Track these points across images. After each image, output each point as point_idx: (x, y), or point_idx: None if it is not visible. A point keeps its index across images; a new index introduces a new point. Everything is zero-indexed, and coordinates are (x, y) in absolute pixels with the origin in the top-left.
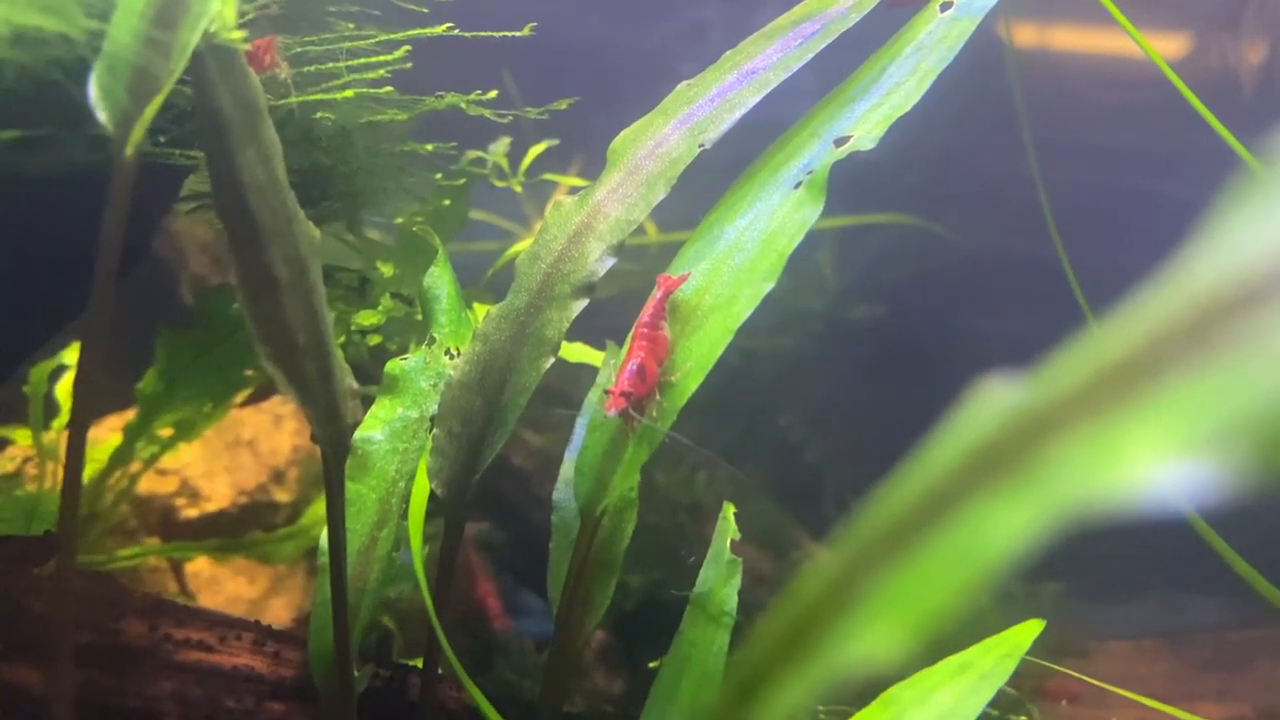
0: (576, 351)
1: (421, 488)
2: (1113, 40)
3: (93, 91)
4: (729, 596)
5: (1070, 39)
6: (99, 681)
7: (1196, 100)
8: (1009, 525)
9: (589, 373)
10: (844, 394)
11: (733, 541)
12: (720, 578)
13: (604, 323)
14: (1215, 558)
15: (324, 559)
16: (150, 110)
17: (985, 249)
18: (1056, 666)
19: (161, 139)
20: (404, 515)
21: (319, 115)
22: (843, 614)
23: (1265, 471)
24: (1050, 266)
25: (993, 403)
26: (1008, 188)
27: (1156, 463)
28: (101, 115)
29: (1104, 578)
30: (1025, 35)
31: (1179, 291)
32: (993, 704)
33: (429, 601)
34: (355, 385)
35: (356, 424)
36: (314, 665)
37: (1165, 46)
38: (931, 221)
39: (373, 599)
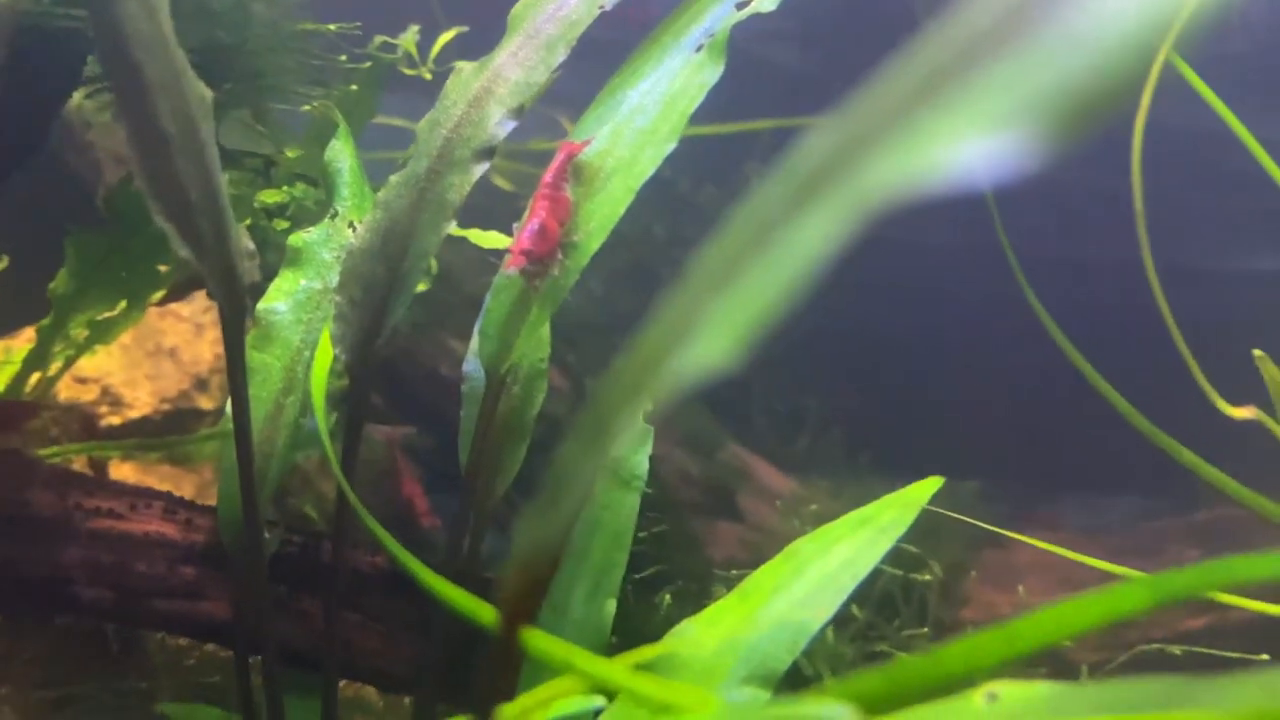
0: (490, 239)
1: (325, 354)
2: None
3: None
4: (640, 463)
5: None
6: (5, 552)
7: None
8: (815, 231)
9: None
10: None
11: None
12: (631, 445)
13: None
14: (1130, 460)
15: (229, 424)
16: None
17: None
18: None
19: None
20: (310, 383)
21: None
22: (684, 340)
23: (1061, 141)
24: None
25: (814, 137)
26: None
27: (962, 143)
28: None
29: (1022, 481)
30: None
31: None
32: (897, 564)
33: (334, 460)
34: (251, 246)
35: (254, 284)
36: (223, 530)
37: None
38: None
39: (280, 463)
